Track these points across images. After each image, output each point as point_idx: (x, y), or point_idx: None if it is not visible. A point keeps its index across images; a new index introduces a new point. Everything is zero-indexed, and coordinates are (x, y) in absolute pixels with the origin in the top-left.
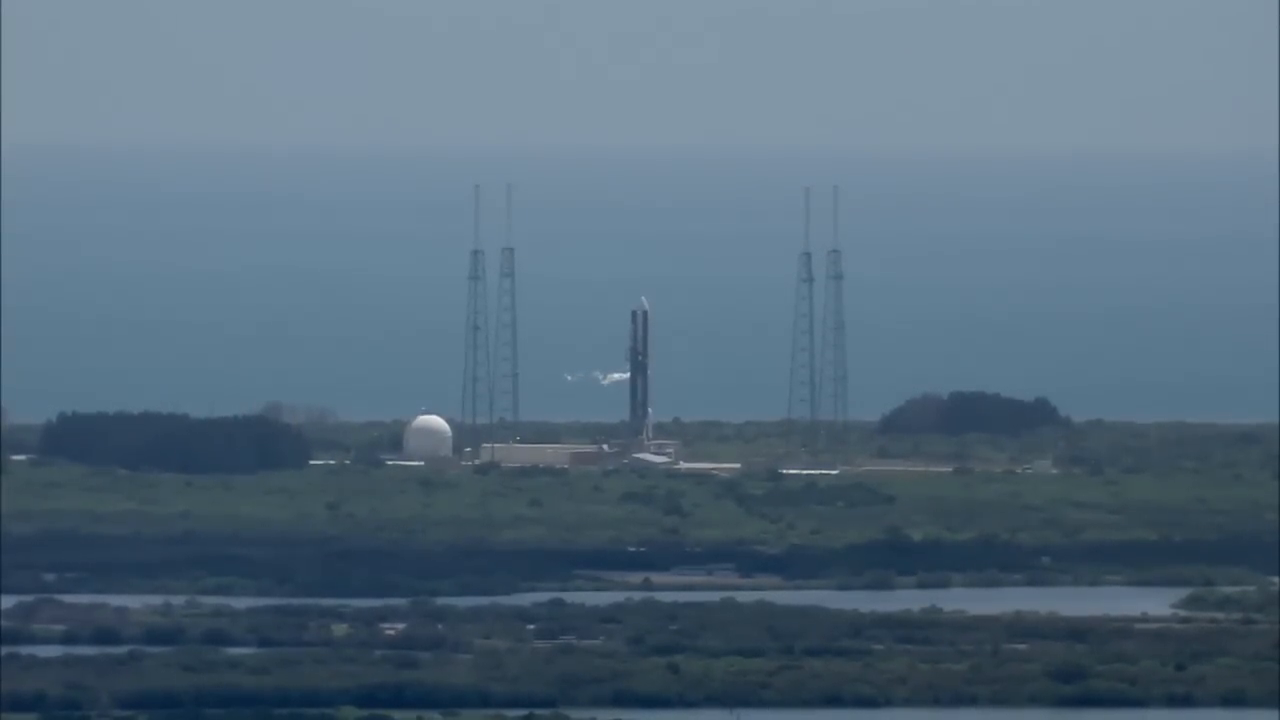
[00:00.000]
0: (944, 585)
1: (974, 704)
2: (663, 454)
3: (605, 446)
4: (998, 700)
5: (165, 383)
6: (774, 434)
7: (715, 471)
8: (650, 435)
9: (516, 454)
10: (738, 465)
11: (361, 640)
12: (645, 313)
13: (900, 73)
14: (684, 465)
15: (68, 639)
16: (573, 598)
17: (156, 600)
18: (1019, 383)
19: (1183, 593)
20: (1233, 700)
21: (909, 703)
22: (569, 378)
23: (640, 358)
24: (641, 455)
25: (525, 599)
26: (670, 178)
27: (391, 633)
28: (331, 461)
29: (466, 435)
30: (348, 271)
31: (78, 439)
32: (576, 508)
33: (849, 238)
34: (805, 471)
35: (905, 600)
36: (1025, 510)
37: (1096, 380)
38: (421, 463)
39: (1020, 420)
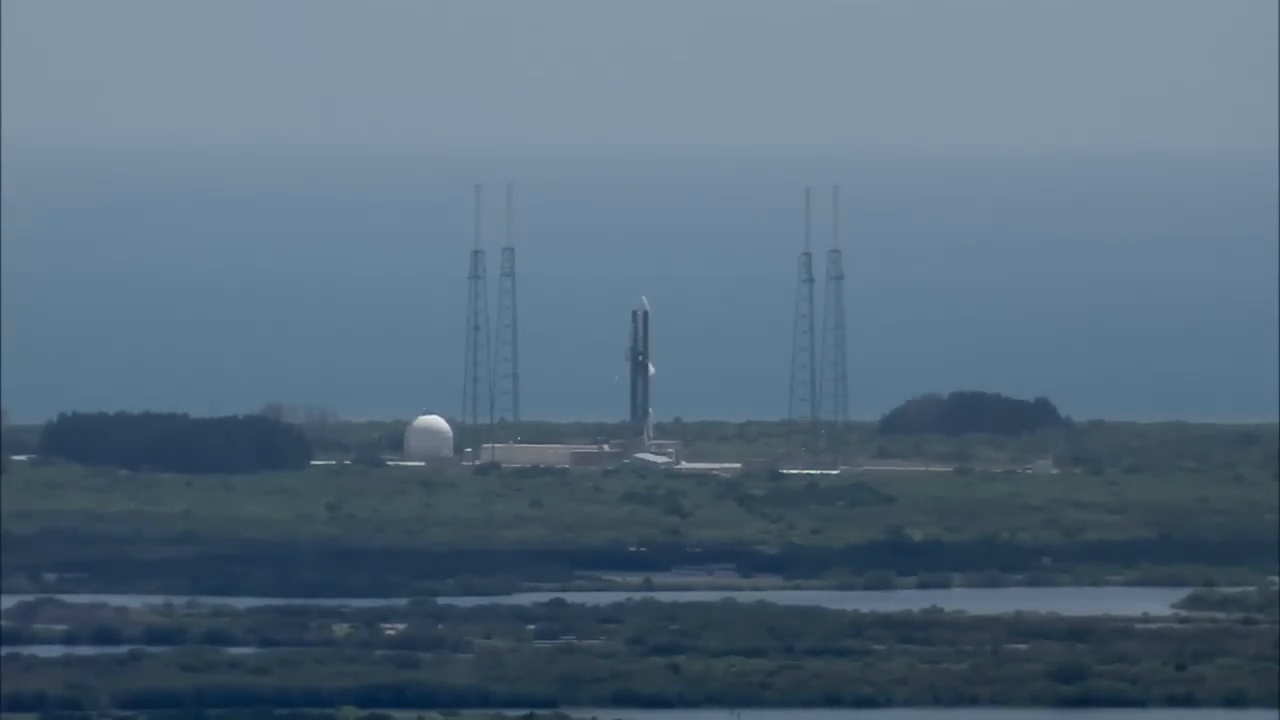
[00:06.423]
0: (944, 585)
1: (974, 704)
2: (663, 454)
3: (606, 446)
4: (998, 700)
5: (165, 383)
6: (774, 434)
7: (716, 471)
8: (651, 435)
9: (517, 454)
10: (738, 465)
11: (362, 640)
12: (645, 313)
13: (900, 73)
14: (684, 465)
15: (68, 639)
16: (573, 598)
17: (157, 600)
18: (1019, 383)
19: (1183, 593)
20: (1233, 700)
21: (909, 703)
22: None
23: (640, 358)
24: (642, 455)
25: (526, 599)
26: (670, 178)
27: (392, 633)
28: (332, 462)
29: (467, 435)
30: (348, 271)
31: (78, 439)
32: (577, 508)
33: (849, 238)
34: (806, 471)
35: (906, 600)
36: (1026, 510)
37: (1096, 380)
38: (422, 463)
39: (1021, 420)
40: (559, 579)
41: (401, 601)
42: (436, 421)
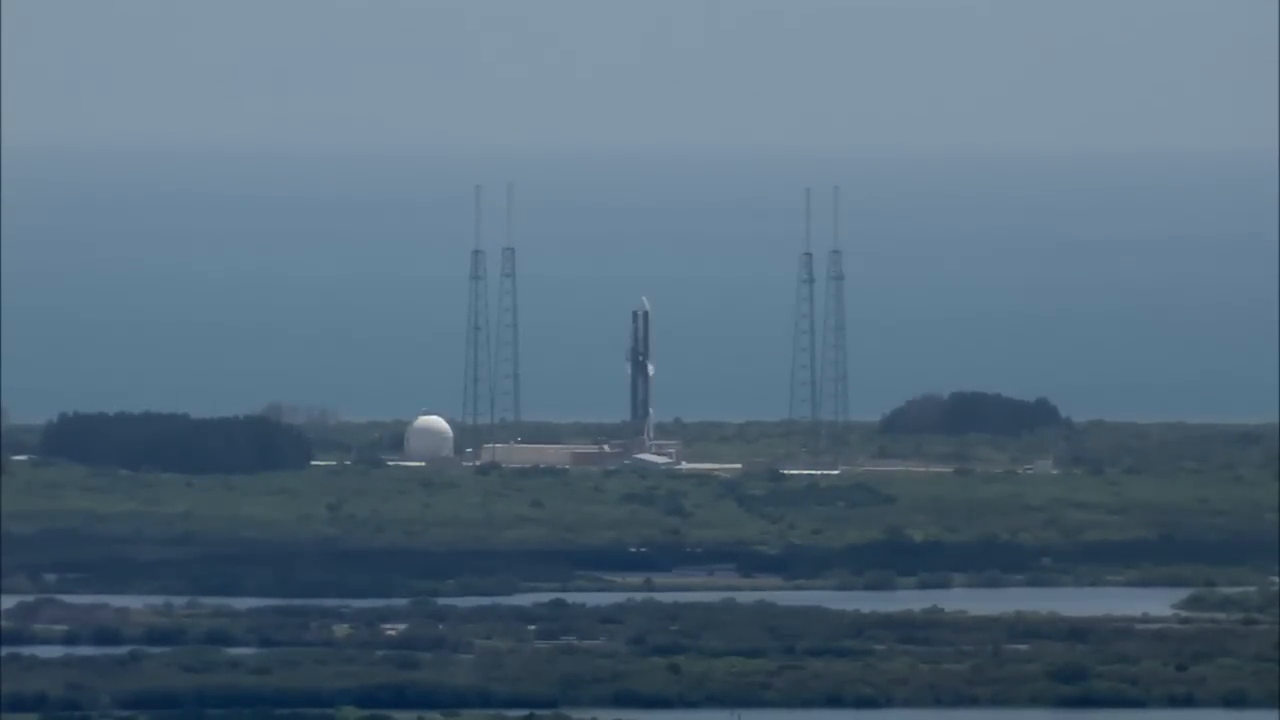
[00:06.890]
0: (945, 585)
1: (975, 704)
2: (664, 454)
3: (606, 447)
4: (998, 701)
5: (165, 383)
6: (775, 434)
7: (716, 472)
8: (651, 436)
9: (517, 454)
10: (739, 465)
11: (362, 640)
12: (645, 313)
13: (900, 73)
14: (685, 465)
15: (69, 639)
16: (574, 598)
17: (157, 600)
18: (1019, 383)
19: (1183, 593)
20: (1234, 701)
21: (910, 703)
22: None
23: (640, 358)
24: (642, 456)
25: (526, 599)
26: (670, 178)
27: (392, 633)
28: (332, 462)
29: (468, 435)
30: (348, 272)
31: (78, 439)
32: (577, 508)
33: (850, 238)
34: (806, 472)
35: (906, 600)
36: (1026, 510)
37: (1096, 380)
38: (423, 463)
39: (1021, 420)
40: (559, 579)
41: (401, 601)
42: (437, 421)
